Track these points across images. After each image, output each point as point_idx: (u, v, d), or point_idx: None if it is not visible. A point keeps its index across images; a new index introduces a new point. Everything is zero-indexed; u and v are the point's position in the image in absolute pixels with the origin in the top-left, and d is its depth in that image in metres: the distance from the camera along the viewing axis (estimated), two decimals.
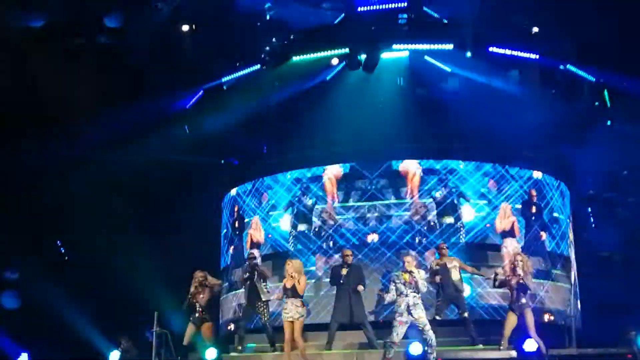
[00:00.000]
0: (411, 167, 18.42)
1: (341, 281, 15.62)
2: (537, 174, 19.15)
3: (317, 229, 18.55)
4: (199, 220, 21.06)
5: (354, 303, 15.50)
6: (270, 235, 19.18)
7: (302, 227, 18.79)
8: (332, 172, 18.74)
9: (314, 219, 18.62)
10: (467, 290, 17.15)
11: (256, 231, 19.47)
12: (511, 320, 14.09)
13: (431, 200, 18.17)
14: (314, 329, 16.54)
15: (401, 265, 14.22)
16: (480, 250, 17.88)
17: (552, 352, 12.33)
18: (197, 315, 14.78)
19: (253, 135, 20.17)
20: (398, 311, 13.50)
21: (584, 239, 20.89)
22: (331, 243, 18.26)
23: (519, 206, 18.63)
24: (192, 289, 14.97)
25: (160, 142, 19.50)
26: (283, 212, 19.11)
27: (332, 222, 18.41)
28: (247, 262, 16.86)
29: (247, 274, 16.28)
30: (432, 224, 18.01)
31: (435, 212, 18.10)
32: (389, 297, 13.69)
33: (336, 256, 17.58)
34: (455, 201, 18.21)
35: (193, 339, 14.85)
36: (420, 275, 13.73)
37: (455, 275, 15.57)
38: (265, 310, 15.93)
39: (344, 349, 15.68)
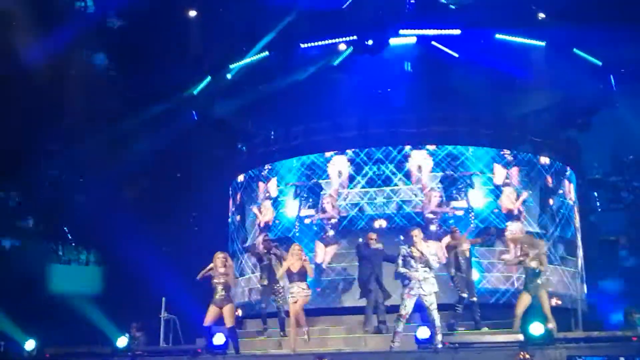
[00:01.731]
0: (420, 155, 18.41)
1: (365, 262, 15.57)
2: (544, 159, 19.15)
3: (322, 215, 18.59)
4: (206, 206, 21.13)
5: (374, 287, 15.50)
6: (277, 221, 19.25)
7: (307, 212, 18.81)
8: (340, 159, 18.76)
9: (321, 204, 18.66)
10: (476, 275, 17.21)
11: (266, 215, 19.50)
12: (525, 301, 14.02)
13: (440, 185, 18.18)
14: (318, 313, 16.62)
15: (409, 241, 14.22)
16: (486, 235, 17.88)
17: (559, 335, 12.35)
18: (218, 296, 14.48)
19: (260, 121, 20.19)
20: (409, 285, 13.51)
21: (590, 223, 20.94)
22: (336, 229, 18.32)
23: (529, 192, 18.63)
24: (213, 268, 14.65)
25: (168, 128, 19.54)
26: (290, 198, 19.15)
27: (337, 209, 18.43)
28: (262, 244, 16.79)
29: (264, 255, 16.24)
30: (440, 208, 18.04)
31: (443, 197, 18.12)
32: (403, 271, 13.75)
33: (343, 242, 17.68)
34: (463, 186, 18.23)
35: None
36: (430, 251, 13.72)
37: (468, 255, 15.61)
38: (282, 294, 15.94)
39: (353, 333, 15.70)
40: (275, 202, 19.43)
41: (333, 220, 18.46)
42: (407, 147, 18.44)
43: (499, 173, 18.55)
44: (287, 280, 14.12)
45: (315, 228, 18.58)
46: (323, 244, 18.32)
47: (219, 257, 14.44)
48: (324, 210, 18.58)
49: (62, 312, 18.41)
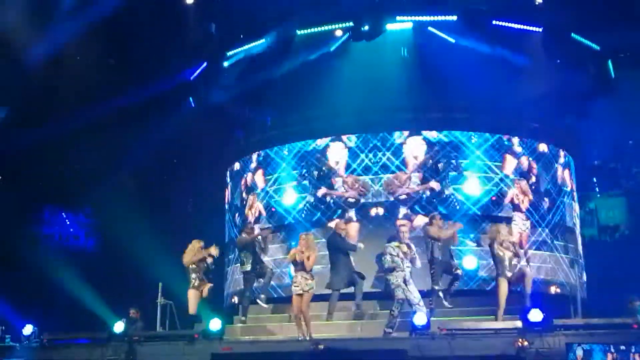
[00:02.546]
0: (416, 141, 18.29)
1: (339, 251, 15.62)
2: (543, 147, 19.04)
3: (320, 202, 18.52)
4: (203, 192, 21.09)
5: (349, 270, 15.53)
6: (274, 209, 19.17)
7: (306, 199, 18.74)
8: (336, 146, 18.65)
9: (317, 191, 18.60)
10: (473, 263, 17.17)
11: (252, 208, 19.48)
12: (505, 288, 14.07)
13: (435, 172, 18.08)
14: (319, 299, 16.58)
15: (396, 233, 14.18)
16: (485, 223, 17.80)
17: (558, 322, 12.32)
18: (196, 282, 14.84)
19: (257, 107, 20.09)
20: (394, 283, 13.51)
21: (589, 210, 20.91)
22: (335, 215, 18.25)
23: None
24: (191, 257, 14.99)
25: (165, 114, 19.46)
26: (286, 185, 19.06)
27: (335, 195, 18.37)
28: (244, 232, 16.80)
29: (249, 243, 16.29)
30: (437, 195, 17.96)
31: (439, 184, 18.02)
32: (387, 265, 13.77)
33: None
34: (458, 172, 18.14)
35: (199, 307, 14.88)
36: (414, 248, 13.78)
37: (449, 244, 15.58)
38: (268, 274, 16.13)
39: (349, 320, 15.69)
40: (271, 190, 19.34)
41: (351, 200, 18.36)
42: (406, 133, 18.32)
43: (510, 163, 18.43)
44: (293, 268, 14.20)
45: (333, 206, 18.41)
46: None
47: (198, 245, 14.80)
48: (345, 190, 18.47)
49: (59, 298, 18.39)
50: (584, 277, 19.02)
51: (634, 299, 14.60)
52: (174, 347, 13.49)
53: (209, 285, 15.02)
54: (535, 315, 12.12)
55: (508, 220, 17.69)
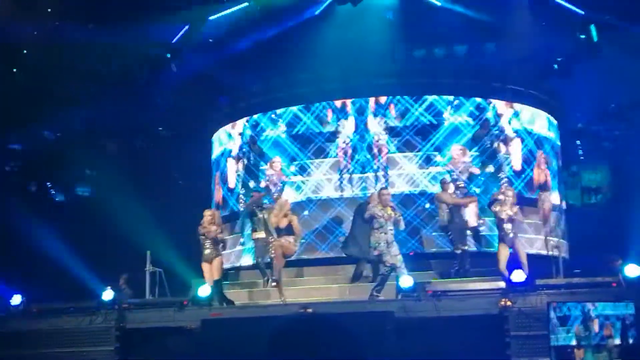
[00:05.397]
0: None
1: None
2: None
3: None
4: (189, 159, 21.09)
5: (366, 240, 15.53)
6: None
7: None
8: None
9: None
10: None
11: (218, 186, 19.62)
12: (505, 253, 14.22)
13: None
14: (302, 264, 16.70)
15: (378, 197, 14.25)
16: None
17: (540, 281, 12.52)
18: (207, 252, 14.82)
19: (241, 73, 19.96)
20: (378, 248, 13.60)
21: (573, 172, 21.05)
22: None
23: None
24: (201, 228, 14.97)
25: (147, 79, 19.34)
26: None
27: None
28: (255, 199, 16.70)
29: (257, 210, 16.22)
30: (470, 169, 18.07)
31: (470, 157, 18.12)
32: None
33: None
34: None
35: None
36: (399, 213, 13.92)
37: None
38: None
39: (337, 284, 15.82)
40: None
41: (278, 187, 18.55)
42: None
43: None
44: (275, 234, 14.32)
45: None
46: None
47: (206, 214, 14.83)
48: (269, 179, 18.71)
49: (47, 267, 18.40)
50: (566, 239, 19.17)
51: (616, 258, 14.77)
52: (164, 313, 13.58)
53: (218, 259, 14.90)
54: (518, 275, 12.33)
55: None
